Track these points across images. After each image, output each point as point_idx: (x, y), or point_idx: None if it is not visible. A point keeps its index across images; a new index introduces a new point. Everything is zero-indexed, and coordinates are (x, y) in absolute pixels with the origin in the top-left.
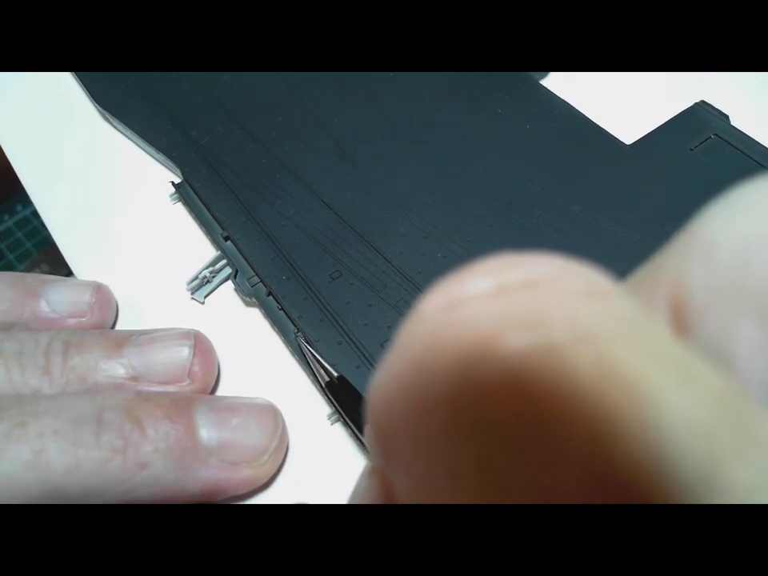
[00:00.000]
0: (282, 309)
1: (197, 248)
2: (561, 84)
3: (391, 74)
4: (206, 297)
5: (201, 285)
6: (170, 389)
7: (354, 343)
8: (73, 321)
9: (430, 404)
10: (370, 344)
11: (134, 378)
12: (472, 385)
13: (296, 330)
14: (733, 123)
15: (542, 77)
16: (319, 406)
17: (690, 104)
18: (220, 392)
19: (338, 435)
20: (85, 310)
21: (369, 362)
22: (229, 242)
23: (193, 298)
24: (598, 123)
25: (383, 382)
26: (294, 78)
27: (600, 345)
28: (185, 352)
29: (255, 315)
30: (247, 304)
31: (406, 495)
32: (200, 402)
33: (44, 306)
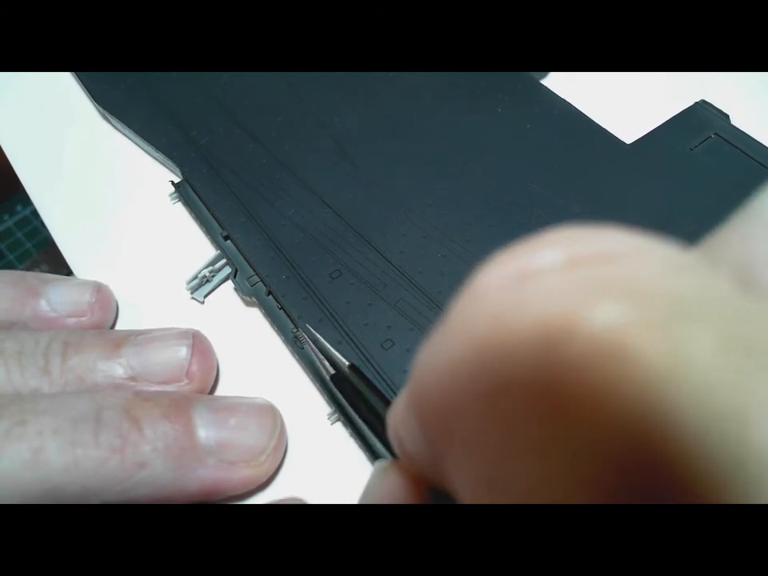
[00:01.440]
0: (281, 308)
1: (196, 247)
2: (561, 84)
3: (391, 73)
4: (205, 296)
5: (200, 284)
6: (169, 389)
7: (354, 342)
8: (73, 320)
9: (504, 384)
10: (370, 343)
11: (133, 378)
12: (555, 363)
13: (294, 329)
14: (733, 123)
15: (542, 77)
16: (319, 406)
17: (691, 103)
18: (219, 392)
19: (338, 435)
20: (85, 309)
21: (369, 361)
22: (228, 242)
23: (193, 298)
24: (598, 123)
25: (438, 363)
26: (294, 78)
27: (713, 323)
28: (183, 352)
29: (255, 315)
30: (247, 303)
31: (464, 479)
32: (198, 401)
33: (44, 306)
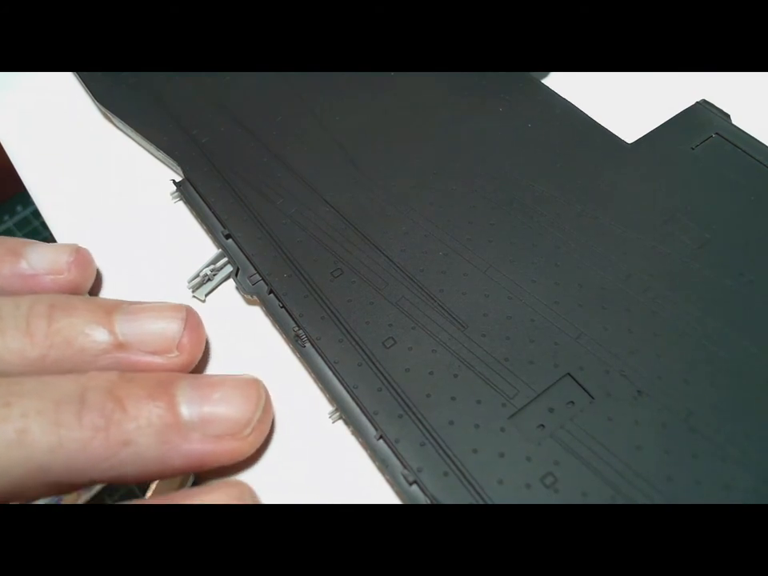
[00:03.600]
0: (283, 307)
1: (198, 246)
2: (561, 83)
3: (391, 73)
4: (207, 295)
5: (202, 283)
6: (158, 359)
7: (355, 341)
8: (50, 278)
9: None
10: (372, 342)
11: (122, 346)
12: None
13: (296, 328)
14: (734, 122)
15: (543, 76)
16: (320, 405)
17: (691, 103)
18: None
19: (339, 434)
20: (63, 267)
21: (370, 360)
22: (230, 240)
23: (194, 296)
24: (599, 122)
25: None
26: (294, 78)
27: None
28: (176, 324)
29: (256, 313)
30: (248, 302)
31: None
32: (182, 380)
33: (24, 265)
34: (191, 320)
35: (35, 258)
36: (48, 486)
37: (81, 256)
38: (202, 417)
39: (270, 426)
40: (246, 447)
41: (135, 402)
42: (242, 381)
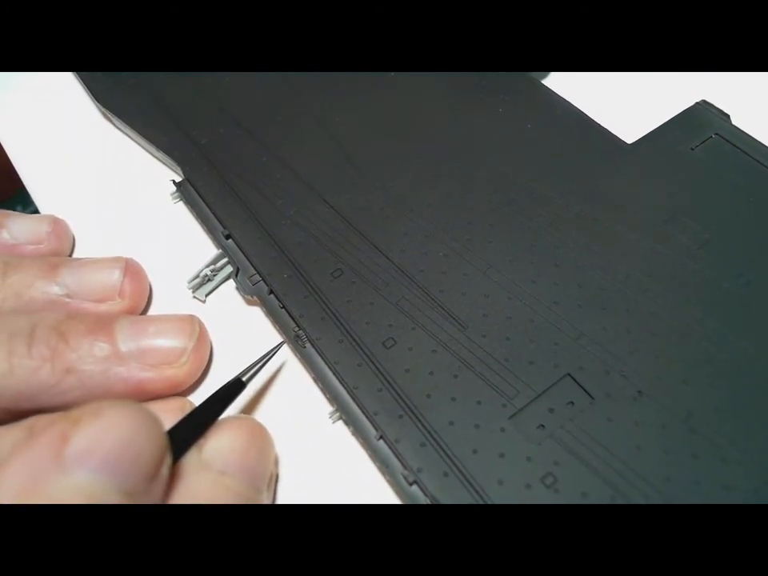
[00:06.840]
0: (283, 307)
1: (198, 246)
2: (561, 83)
3: (391, 73)
4: (207, 295)
5: (202, 283)
6: (102, 307)
7: (355, 341)
8: (31, 248)
9: None
10: (372, 342)
11: (67, 296)
12: None
13: (296, 328)
14: (734, 123)
15: (543, 76)
16: (320, 405)
17: (691, 103)
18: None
19: (339, 435)
20: (42, 237)
21: (370, 360)
22: (230, 241)
23: (194, 297)
24: (599, 122)
25: None
26: (294, 78)
27: None
28: (115, 273)
29: (257, 313)
30: (248, 302)
31: None
32: (122, 317)
33: (5, 235)
34: (131, 269)
35: (16, 228)
36: (2, 411)
37: (58, 226)
38: (139, 348)
39: (206, 355)
40: (183, 374)
41: (76, 336)
42: (176, 316)
